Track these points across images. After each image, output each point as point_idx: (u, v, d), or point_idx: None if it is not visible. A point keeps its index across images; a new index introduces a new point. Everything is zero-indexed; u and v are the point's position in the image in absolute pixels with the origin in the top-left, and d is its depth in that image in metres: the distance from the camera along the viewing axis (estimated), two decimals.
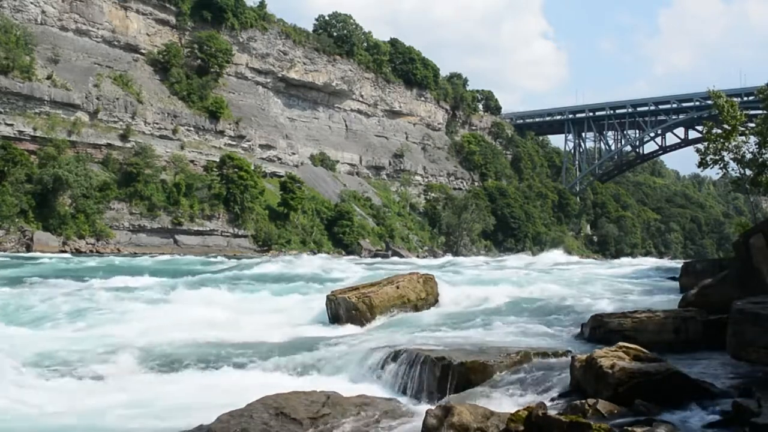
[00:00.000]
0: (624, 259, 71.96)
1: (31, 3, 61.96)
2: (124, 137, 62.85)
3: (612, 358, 7.30)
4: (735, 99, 28.82)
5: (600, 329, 10.97)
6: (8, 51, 55.03)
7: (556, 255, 65.37)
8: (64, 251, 50.32)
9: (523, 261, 51.21)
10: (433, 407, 6.62)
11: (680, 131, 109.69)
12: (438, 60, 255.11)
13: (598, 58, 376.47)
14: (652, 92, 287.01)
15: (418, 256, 74.62)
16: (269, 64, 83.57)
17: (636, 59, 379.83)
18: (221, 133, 73.40)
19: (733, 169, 26.05)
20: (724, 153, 25.05)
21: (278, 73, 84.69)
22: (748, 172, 25.45)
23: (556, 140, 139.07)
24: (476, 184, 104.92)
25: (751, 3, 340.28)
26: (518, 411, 6.09)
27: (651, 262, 62.16)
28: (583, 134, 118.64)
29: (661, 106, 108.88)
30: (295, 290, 21.93)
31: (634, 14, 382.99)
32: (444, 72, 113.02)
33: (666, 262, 64.94)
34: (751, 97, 60.87)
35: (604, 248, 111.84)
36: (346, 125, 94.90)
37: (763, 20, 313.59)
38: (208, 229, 65.04)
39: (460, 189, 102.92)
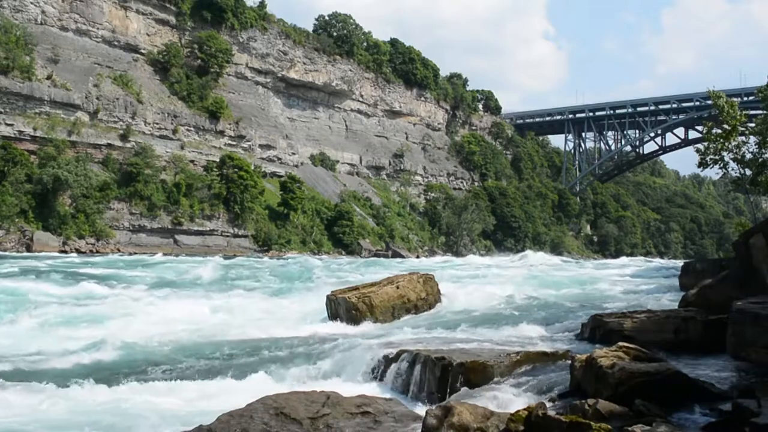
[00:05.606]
0: (593, 263, 70.08)
1: (31, 3, 61.87)
2: (124, 137, 62.77)
3: (612, 358, 7.30)
4: (735, 99, 28.79)
5: (600, 329, 10.98)
6: (8, 51, 54.92)
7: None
8: (64, 251, 50.27)
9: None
10: (433, 407, 6.61)
11: (680, 131, 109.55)
12: (440, 60, 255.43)
13: (600, 58, 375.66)
14: (655, 92, 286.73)
15: (418, 257, 74.50)
16: (269, 64, 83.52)
17: (639, 58, 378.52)
18: (221, 133, 73.33)
19: (733, 169, 26.04)
20: (724, 153, 25.02)
21: (278, 73, 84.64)
22: (748, 172, 25.44)
23: (556, 140, 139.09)
24: (476, 184, 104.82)
25: (755, 2, 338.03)
26: (518, 411, 6.08)
27: (619, 262, 60.48)
28: (583, 134, 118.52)
29: (661, 106, 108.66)
30: (295, 290, 21.97)
31: (637, 13, 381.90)
32: (445, 72, 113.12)
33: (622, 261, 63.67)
34: (751, 97, 60.91)
35: (604, 248, 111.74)
36: (346, 125, 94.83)
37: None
38: (208, 229, 64.97)
39: (460, 189, 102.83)
